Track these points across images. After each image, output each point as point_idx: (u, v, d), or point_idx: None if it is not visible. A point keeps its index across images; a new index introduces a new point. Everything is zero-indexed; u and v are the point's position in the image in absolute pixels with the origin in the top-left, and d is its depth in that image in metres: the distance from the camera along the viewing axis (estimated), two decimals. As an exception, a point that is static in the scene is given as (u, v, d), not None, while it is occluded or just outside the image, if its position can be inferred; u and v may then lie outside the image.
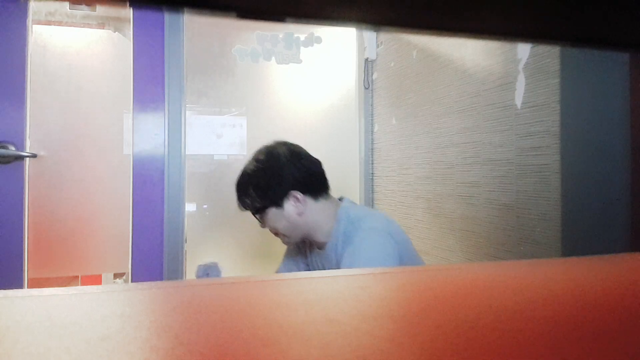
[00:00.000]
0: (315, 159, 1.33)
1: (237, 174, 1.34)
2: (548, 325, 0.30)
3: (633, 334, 0.29)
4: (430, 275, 0.46)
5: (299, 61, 2.31)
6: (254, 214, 1.31)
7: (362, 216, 1.25)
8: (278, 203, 1.25)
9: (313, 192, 1.28)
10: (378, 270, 0.52)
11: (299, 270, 1.44)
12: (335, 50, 2.38)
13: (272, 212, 1.26)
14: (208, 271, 1.43)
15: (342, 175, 2.32)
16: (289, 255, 1.50)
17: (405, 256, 1.23)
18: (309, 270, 1.42)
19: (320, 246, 1.32)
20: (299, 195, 1.25)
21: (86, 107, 2.02)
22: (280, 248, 1.51)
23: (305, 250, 1.44)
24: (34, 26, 1.90)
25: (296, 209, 1.25)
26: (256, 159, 1.29)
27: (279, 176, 1.25)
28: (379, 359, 0.25)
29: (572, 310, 0.34)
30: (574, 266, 0.50)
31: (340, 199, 1.36)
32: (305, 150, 1.33)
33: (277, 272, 1.55)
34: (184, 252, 2.01)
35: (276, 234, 1.32)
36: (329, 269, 1.30)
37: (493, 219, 1.46)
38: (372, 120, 2.38)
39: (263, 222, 1.30)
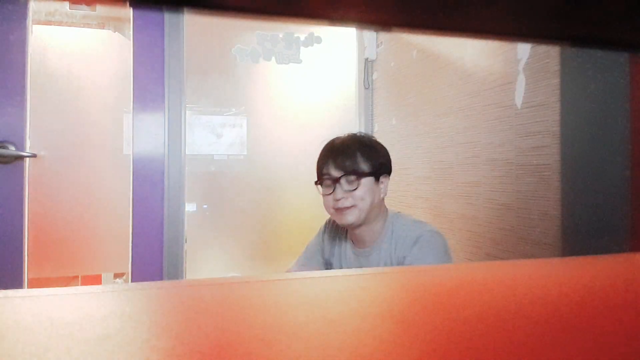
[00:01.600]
0: None
1: (326, 141, 1.37)
2: (548, 325, 0.30)
3: (633, 333, 0.29)
4: (430, 275, 0.46)
5: (299, 61, 2.31)
6: (349, 177, 1.29)
7: (415, 220, 1.33)
8: (377, 176, 1.30)
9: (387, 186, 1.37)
10: (377, 270, 0.52)
11: (314, 269, 1.45)
12: (335, 50, 2.38)
13: (368, 181, 1.29)
14: None
15: (342, 175, 2.32)
16: (307, 254, 1.50)
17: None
18: (327, 269, 1.44)
19: (363, 244, 1.34)
20: (386, 180, 1.33)
21: (86, 107, 2.02)
22: (280, 249, 1.52)
23: (331, 248, 1.44)
24: (34, 26, 1.90)
25: (382, 191, 1.32)
26: (360, 134, 1.35)
27: (382, 156, 1.33)
28: (379, 359, 0.25)
29: (572, 310, 0.34)
30: (574, 266, 0.50)
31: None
32: None
33: (290, 270, 1.55)
34: (184, 252, 2.01)
35: (350, 207, 1.29)
36: (366, 266, 1.32)
37: (493, 219, 1.46)
38: (372, 120, 2.38)
39: (353, 188, 1.28)
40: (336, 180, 1.28)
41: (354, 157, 1.29)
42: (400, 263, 1.27)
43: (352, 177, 1.28)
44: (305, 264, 1.49)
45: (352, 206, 1.28)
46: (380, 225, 1.32)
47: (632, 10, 0.26)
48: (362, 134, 1.36)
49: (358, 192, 1.27)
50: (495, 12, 0.24)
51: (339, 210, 1.30)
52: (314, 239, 1.50)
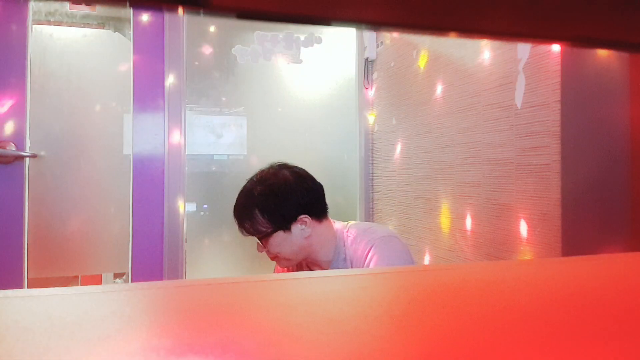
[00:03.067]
0: (317, 181, 1.33)
1: (235, 199, 1.30)
2: (548, 325, 0.30)
3: (633, 333, 0.29)
4: (430, 275, 0.46)
5: (299, 61, 2.31)
6: (258, 238, 1.27)
7: (365, 228, 1.29)
8: (287, 227, 1.23)
9: (318, 214, 1.29)
10: (377, 271, 0.52)
11: None
12: (335, 50, 2.38)
13: (279, 236, 1.23)
14: None
15: (342, 175, 2.32)
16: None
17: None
18: None
19: (322, 266, 1.31)
20: (307, 218, 1.25)
21: (86, 107, 2.02)
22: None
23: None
24: (34, 26, 1.89)
25: (304, 232, 1.25)
26: (260, 182, 1.26)
27: (288, 200, 1.24)
28: (379, 358, 0.25)
29: (572, 310, 0.34)
30: (574, 266, 0.50)
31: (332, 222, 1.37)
32: (308, 173, 1.33)
33: None
34: (184, 252, 2.01)
35: (274, 257, 1.29)
36: None
37: (493, 219, 1.46)
38: (372, 120, 2.38)
39: (265, 246, 1.26)
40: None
41: (252, 219, 1.23)
42: None
43: (256, 239, 1.26)
44: None
45: (275, 256, 1.27)
46: (330, 249, 1.28)
47: (632, 10, 0.26)
48: (273, 171, 1.28)
49: (270, 248, 1.25)
50: (495, 12, 0.24)
51: (271, 258, 1.30)
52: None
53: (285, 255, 1.26)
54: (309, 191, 1.28)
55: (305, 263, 1.33)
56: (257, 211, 1.23)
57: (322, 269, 1.30)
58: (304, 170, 1.32)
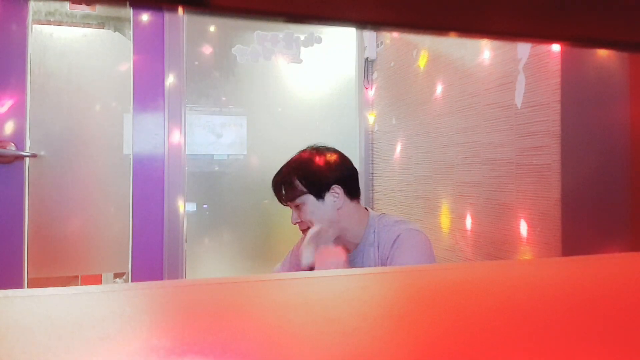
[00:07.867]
0: (354, 165, 1.42)
1: (272, 173, 1.39)
2: (547, 325, 0.30)
3: (633, 333, 0.29)
4: (430, 275, 0.46)
5: (299, 61, 2.31)
6: (292, 203, 1.34)
7: (397, 220, 1.34)
8: (320, 194, 1.31)
9: (350, 191, 1.36)
10: (377, 270, 0.52)
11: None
12: (335, 50, 2.38)
13: (312, 202, 1.31)
14: None
15: (342, 175, 2.32)
16: (292, 258, 1.50)
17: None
18: None
19: (350, 247, 1.36)
20: (339, 190, 1.33)
21: (86, 107, 2.02)
22: (280, 248, 1.51)
23: None
24: (34, 26, 1.89)
25: (336, 204, 1.32)
26: (300, 155, 1.37)
27: (324, 169, 1.34)
28: (379, 359, 0.25)
29: (572, 310, 0.34)
30: (574, 266, 0.50)
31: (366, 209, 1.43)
32: (346, 156, 1.42)
33: (274, 271, 1.55)
34: (184, 252, 2.01)
35: (307, 229, 1.34)
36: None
37: (493, 218, 1.46)
38: (372, 120, 2.38)
39: (300, 213, 1.33)
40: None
41: (290, 184, 1.33)
42: (384, 264, 1.29)
43: (291, 204, 1.34)
44: (290, 269, 1.50)
45: (308, 227, 1.33)
46: (359, 230, 1.34)
47: (632, 10, 0.26)
48: (313, 151, 1.37)
49: (303, 215, 1.32)
50: (495, 12, 0.24)
51: (303, 231, 1.36)
52: (296, 247, 1.51)
53: (316, 224, 1.31)
54: (346, 168, 1.38)
55: (336, 244, 1.37)
56: (295, 177, 1.32)
57: (349, 250, 1.35)
58: (341, 152, 1.42)
